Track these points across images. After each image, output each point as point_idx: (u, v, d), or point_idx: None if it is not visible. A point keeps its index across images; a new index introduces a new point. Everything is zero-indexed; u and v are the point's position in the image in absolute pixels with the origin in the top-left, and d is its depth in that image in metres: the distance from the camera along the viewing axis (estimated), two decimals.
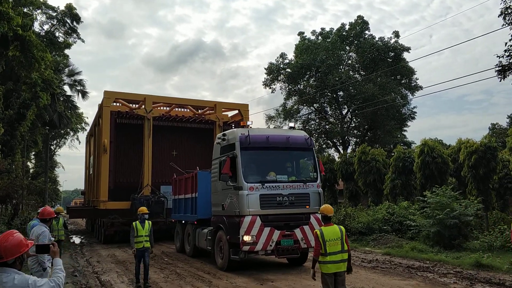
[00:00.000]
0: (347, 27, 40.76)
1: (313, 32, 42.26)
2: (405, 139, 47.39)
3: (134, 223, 10.20)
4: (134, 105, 23.02)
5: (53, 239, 10.14)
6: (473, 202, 16.47)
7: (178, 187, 17.38)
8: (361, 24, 40.18)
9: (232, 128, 25.28)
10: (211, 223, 13.47)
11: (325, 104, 42.92)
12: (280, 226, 11.72)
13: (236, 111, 25.37)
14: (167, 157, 23.56)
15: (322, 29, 41.93)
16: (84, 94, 37.98)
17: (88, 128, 38.39)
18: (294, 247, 11.82)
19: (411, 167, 23.38)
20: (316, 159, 13.18)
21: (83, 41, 35.21)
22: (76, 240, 24.29)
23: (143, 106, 22.27)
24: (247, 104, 25.49)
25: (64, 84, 37.18)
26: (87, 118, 47.85)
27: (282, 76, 41.94)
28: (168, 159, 23.10)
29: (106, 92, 22.06)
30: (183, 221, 16.65)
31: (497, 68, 16.11)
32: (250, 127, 13.06)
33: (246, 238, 11.36)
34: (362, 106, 37.02)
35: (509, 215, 21.95)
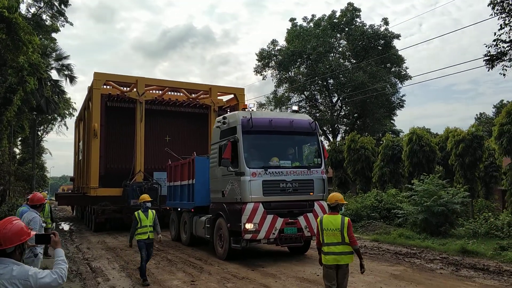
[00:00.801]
0: (338, 14, 40.73)
1: (305, 19, 42.19)
2: (393, 128, 47.88)
3: (136, 212, 9.51)
4: (125, 88, 22.35)
5: (44, 225, 10.17)
6: (460, 190, 16.80)
7: (173, 173, 16.91)
8: (352, 11, 40.15)
9: (227, 113, 25.19)
10: (210, 210, 13.10)
11: (315, 92, 43.07)
12: (283, 214, 11.38)
13: (232, 96, 24.72)
14: (160, 142, 23.00)
15: (313, 15, 41.87)
16: (72, 79, 37.44)
17: (76, 113, 37.99)
18: (298, 235, 11.49)
19: (400, 155, 23.71)
20: (320, 144, 12.74)
21: (71, 25, 34.63)
22: (65, 227, 24.24)
23: (134, 89, 21.60)
24: (243, 89, 25.06)
25: (52, 68, 36.60)
26: (75, 103, 47.27)
27: (273, 63, 41.90)
28: (161, 145, 22.60)
29: (96, 74, 21.34)
30: (179, 209, 16.25)
31: (485, 58, 16.32)
32: (252, 109, 12.54)
33: (248, 226, 10.98)
34: (352, 94, 37.22)
35: (493, 203, 22.42)
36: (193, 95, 24.16)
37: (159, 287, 9.06)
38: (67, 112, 47.30)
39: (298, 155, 12.72)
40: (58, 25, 33.22)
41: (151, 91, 23.31)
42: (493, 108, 49.45)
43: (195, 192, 14.17)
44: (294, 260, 12.04)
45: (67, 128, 50.92)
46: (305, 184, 11.82)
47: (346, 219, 6.36)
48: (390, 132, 42.08)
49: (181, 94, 24.25)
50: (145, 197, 9.75)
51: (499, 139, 17.84)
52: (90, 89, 21.98)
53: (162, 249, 14.49)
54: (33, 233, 3.41)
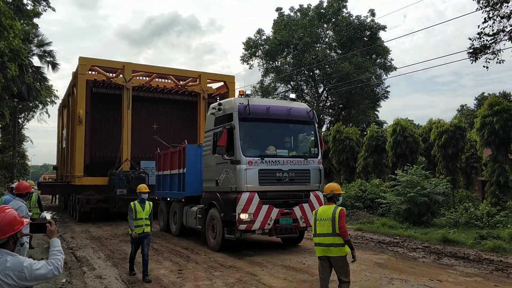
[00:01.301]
0: (325, 4, 40.71)
1: (291, 9, 42.06)
2: (377, 119, 48.33)
3: (132, 203, 8.95)
4: (111, 74, 21.66)
5: (30, 214, 10.05)
6: (442, 181, 17.14)
7: (162, 162, 16.47)
8: (338, 1, 40.16)
9: (217, 101, 24.75)
10: (202, 200, 12.74)
11: (301, 82, 43.15)
12: (279, 204, 11.12)
13: (221, 83, 24.17)
14: (147, 130, 22.49)
15: (300, 5, 41.77)
16: (54, 65, 36.74)
17: (58, 101, 37.35)
18: (293, 226, 11.27)
19: (384, 146, 24.02)
20: (318, 133, 12.47)
21: (53, 10, 33.92)
22: (47, 216, 23.98)
23: (121, 75, 20.95)
24: (233, 76, 24.70)
25: (33, 55, 35.84)
26: (57, 91, 46.55)
27: (260, 52, 41.79)
28: (148, 133, 22.14)
29: (81, 59, 20.67)
30: (169, 199, 15.83)
31: (469, 51, 16.57)
32: (249, 96, 12.15)
33: (243, 216, 10.69)
34: (337, 85, 37.39)
35: (473, 193, 22.93)
36: (181, 82, 23.59)
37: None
38: (49, 100, 46.53)
39: (295, 144, 12.52)
40: (40, 10, 32.51)
41: (138, 78, 22.73)
42: (474, 100, 50.27)
43: (186, 182, 13.80)
44: (281, 249, 12.17)
45: (49, 115, 50.10)
46: (302, 174, 11.59)
47: (339, 209, 6.20)
48: (374, 123, 42.51)
49: (169, 81, 23.72)
50: (142, 187, 9.11)
51: (480, 131, 18.21)
52: (75, 75, 21.33)
53: None
54: (26, 221, 3.27)
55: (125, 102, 20.63)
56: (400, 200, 16.62)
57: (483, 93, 47.58)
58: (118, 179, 18.75)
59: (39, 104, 46.04)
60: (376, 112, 46.57)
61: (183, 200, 14.22)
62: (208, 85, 23.76)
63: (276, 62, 41.86)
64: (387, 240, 13.80)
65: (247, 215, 10.73)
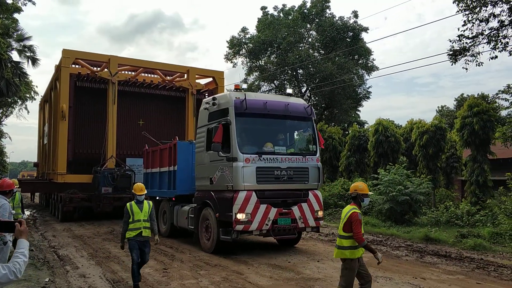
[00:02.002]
0: (308, 4, 40.87)
1: (275, 8, 42.09)
2: (358, 119, 48.79)
3: (128, 204, 7.93)
4: (96, 68, 20.86)
5: (14, 212, 9.79)
6: (423, 180, 17.38)
7: (151, 159, 15.70)
8: (322, 2, 40.36)
9: (206, 97, 23.47)
10: (195, 199, 12.09)
11: (285, 82, 43.21)
12: (277, 203, 10.61)
13: (210, 79, 23.49)
14: (133, 126, 21.77)
15: (284, 5, 41.84)
16: (34, 61, 35.79)
17: (38, 97, 36.55)
18: (291, 226, 10.77)
19: (366, 146, 24.25)
20: (316, 130, 11.96)
21: (33, 4, 33.19)
22: (26, 213, 23.46)
23: (105, 69, 20.13)
24: (223, 72, 23.98)
25: (13, 49, 35.00)
26: (37, 87, 45.55)
27: (243, 50, 41.72)
28: (134, 129, 21.53)
29: (65, 51, 19.76)
30: (157, 197, 15.02)
31: (449, 53, 16.84)
32: (245, 90, 11.52)
33: (240, 216, 10.13)
34: (320, 84, 37.58)
35: (454, 192, 23.34)
36: (168, 77, 22.85)
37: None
38: (29, 96, 45.58)
39: (292, 141, 12.08)
40: (20, 4, 31.76)
41: (124, 72, 21.98)
42: (454, 101, 51.16)
43: (176, 180, 13.16)
44: (266, 247, 12.13)
45: (28, 112, 49.04)
46: (300, 172, 11.11)
47: (351, 212, 5.89)
48: (356, 123, 42.92)
49: (156, 76, 22.99)
50: (137, 188, 8.04)
51: (460, 131, 18.54)
52: (58, 68, 20.46)
53: None
54: None
55: (110, 96, 19.85)
56: (383, 199, 16.80)
57: (462, 94, 48.54)
58: (103, 177, 18.10)
59: (18, 100, 45.06)
60: (358, 112, 47.06)
61: (173, 199, 13.60)
62: (197, 80, 23.06)
63: (260, 61, 41.87)
64: (370, 238, 13.92)
65: (244, 215, 10.18)
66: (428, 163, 21.60)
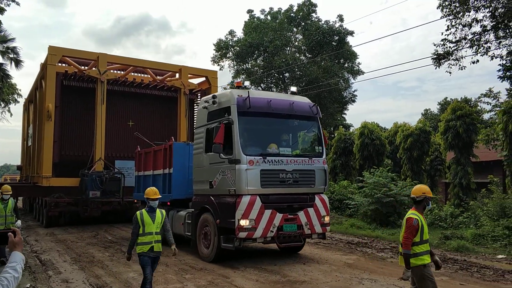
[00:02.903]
0: (295, 8, 41.05)
1: (262, 11, 42.19)
2: (344, 122, 49.10)
3: (138, 213, 6.82)
4: (84, 67, 19.91)
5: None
6: (408, 183, 17.54)
7: (144, 161, 14.79)
8: (308, 6, 40.59)
9: (198, 98, 22.71)
10: (193, 204, 11.35)
11: (272, 85, 43.30)
12: (282, 209, 9.94)
13: (203, 79, 22.53)
14: (123, 127, 20.87)
15: (271, 8, 41.98)
16: (17, 63, 35.18)
17: (22, 100, 35.94)
18: (297, 233, 10.08)
19: (351, 148, 24.38)
20: (321, 130, 11.36)
21: (18, 4, 32.70)
22: (18, 223, 22.86)
23: (94, 68, 19.22)
24: (216, 71, 23.37)
25: None
26: (20, 90, 44.84)
27: (230, 53, 41.71)
28: (123, 130, 20.70)
29: (51, 48, 18.66)
30: None
31: (433, 57, 17.06)
32: (249, 88, 11.19)
33: (243, 222, 9.41)
34: (306, 88, 37.74)
35: (437, 195, 23.58)
36: (158, 77, 22.00)
37: (115, 279, 8.78)
38: (11, 98, 44.89)
39: (298, 142, 11.49)
40: (3, 5, 31.27)
41: (113, 71, 20.84)
42: (438, 104, 51.82)
43: (172, 183, 12.33)
44: (253, 250, 12.07)
45: (11, 114, 48.23)
46: (307, 175, 10.46)
47: (407, 217, 5.64)
48: (341, 126, 43.19)
49: (147, 75, 22.13)
50: (151, 192, 6.93)
51: (444, 135, 18.74)
52: (44, 66, 19.46)
53: (115, 241, 14.11)
54: None
55: (99, 96, 18.84)
56: (368, 202, 16.90)
57: (446, 98, 49.15)
58: (91, 180, 17.27)
59: (1, 102, 44.36)
60: (344, 116, 47.34)
61: (168, 203, 12.66)
62: (189, 80, 22.06)
63: (247, 64, 41.90)
64: (356, 240, 13.97)
65: (248, 221, 9.45)
66: (413, 166, 21.80)
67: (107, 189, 17.43)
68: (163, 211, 7.08)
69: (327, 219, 10.67)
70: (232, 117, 9.94)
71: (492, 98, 18.64)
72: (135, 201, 15.86)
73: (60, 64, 19.78)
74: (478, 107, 19.89)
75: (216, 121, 10.45)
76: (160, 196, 7.10)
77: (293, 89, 11.87)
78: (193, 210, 11.25)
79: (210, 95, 11.31)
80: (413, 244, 5.60)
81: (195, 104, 22.77)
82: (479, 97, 18.82)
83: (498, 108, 17.12)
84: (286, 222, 9.95)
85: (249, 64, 41.95)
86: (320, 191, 10.74)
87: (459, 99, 34.72)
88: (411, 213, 5.71)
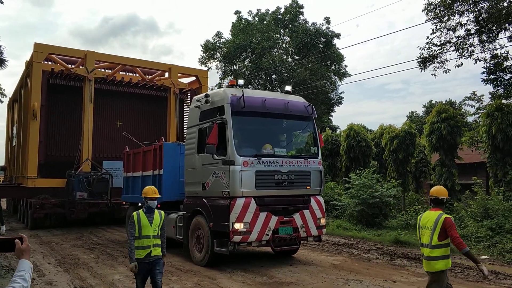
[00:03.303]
0: (282, 10, 41.20)
1: (250, 13, 42.26)
2: (331, 124, 49.39)
3: (135, 214, 6.21)
4: (71, 66, 19.30)
5: None
6: (393, 184, 17.69)
7: (132, 162, 14.34)
8: (295, 8, 40.76)
9: (188, 98, 22.38)
10: (184, 206, 11.00)
11: (259, 86, 43.34)
12: (278, 211, 9.67)
13: (193, 78, 22.13)
14: (110, 127, 20.38)
15: (258, 10, 42.07)
16: (2, 62, 34.89)
17: (6, 100, 35.36)
18: (293, 236, 9.85)
19: (338, 150, 24.48)
20: (317, 130, 11.14)
21: (1, 3, 32.22)
22: (3, 229, 22.27)
23: (81, 66, 18.74)
24: (206, 71, 23.06)
25: None
26: (4, 90, 44.18)
27: (218, 55, 41.67)
28: (111, 130, 20.24)
29: (37, 45, 18.10)
30: (140, 204, 13.25)
31: (418, 60, 17.27)
32: (243, 87, 10.44)
33: (238, 225, 9.13)
34: (293, 90, 37.84)
35: (422, 196, 23.84)
36: (147, 76, 21.53)
37: (100, 281, 8.67)
38: None
39: (292, 143, 11.25)
40: None
41: (100, 69, 20.50)
42: (423, 107, 52.42)
43: (162, 185, 11.89)
44: (239, 252, 12.04)
45: None
46: (302, 176, 10.22)
47: (443, 216, 5.39)
48: (328, 128, 43.43)
49: (136, 74, 21.64)
50: (149, 191, 6.36)
51: (429, 137, 18.92)
52: (29, 64, 18.89)
53: (100, 243, 13.94)
54: None
55: (86, 95, 18.26)
56: (354, 203, 17.00)
57: (431, 100, 49.79)
58: (78, 181, 16.85)
59: None
60: (330, 117, 47.61)
61: (158, 205, 12.82)
62: (179, 79, 21.57)
63: (234, 65, 41.90)
64: (342, 241, 14.03)
65: (242, 224, 9.17)
66: (398, 168, 21.96)
67: (95, 190, 17.00)
68: (163, 212, 6.51)
69: (323, 221, 10.45)
70: (225, 116, 9.65)
71: (476, 101, 18.91)
72: (124, 202, 15.42)
73: (46, 62, 19.35)
74: (463, 110, 20.19)
75: (209, 121, 10.12)
76: (159, 196, 6.55)
77: (288, 88, 11.47)
78: (184, 212, 10.90)
79: (203, 94, 11.00)
80: (446, 245, 5.46)
81: (185, 104, 22.53)
82: (463, 100, 19.11)
83: (481, 111, 17.40)
84: (281, 225, 9.69)
85: (237, 66, 41.98)
86: (316, 193, 10.49)
87: (444, 102, 35.21)
88: (441, 213, 5.51)
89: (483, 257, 11.27)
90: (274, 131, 10.90)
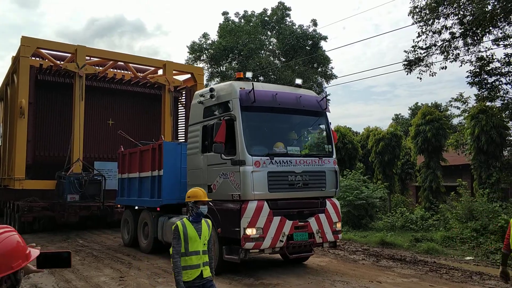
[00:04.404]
0: (269, 12, 41.34)
1: (237, 14, 42.29)
2: None
3: (178, 223, 5.00)
4: (60, 62, 18.42)
5: None
6: (379, 186, 17.89)
7: (128, 163, 13.46)
8: (282, 10, 40.93)
9: (183, 96, 21.75)
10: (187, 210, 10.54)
11: None
12: (292, 215, 8.94)
13: (189, 75, 21.24)
14: (102, 126, 19.49)
15: (245, 11, 42.14)
16: None
17: None
18: (308, 242, 9.14)
19: None
20: (330, 127, 10.28)
21: None
22: None
23: (71, 62, 17.79)
24: (202, 68, 22.38)
25: None
26: None
27: (204, 56, 41.61)
28: (102, 129, 19.41)
29: (24, 39, 16.99)
30: (136, 207, 13.01)
31: (404, 63, 17.50)
32: (252, 80, 9.63)
33: (250, 231, 8.37)
34: None
35: (408, 198, 24.11)
36: (140, 74, 20.70)
37: (86, 283, 8.54)
38: None
39: (305, 141, 10.53)
40: None
41: (92, 66, 19.15)
42: (408, 110, 53.01)
43: (162, 187, 11.20)
44: None
45: None
46: (317, 177, 9.46)
47: None
48: None
49: (128, 72, 20.66)
50: (200, 193, 5.14)
51: (415, 139, 19.18)
52: (16, 59, 17.84)
53: (86, 245, 13.79)
54: (35, 253, 2.02)
55: (77, 92, 17.29)
56: (341, 204, 17.10)
57: (417, 103, 50.32)
58: (69, 183, 15.94)
59: None
60: None
61: (158, 209, 11.53)
62: (174, 77, 20.67)
63: (221, 67, 41.88)
64: None
65: (255, 230, 8.41)
66: (384, 169, 22.22)
67: (87, 193, 16.19)
68: (209, 221, 5.28)
69: (338, 225, 9.74)
70: (234, 112, 8.86)
71: (462, 103, 19.24)
72: (118, 206, 14.78)
73: (34, 58, 18.33)
74: (449, 112, 20.48)
75: (214, 118, 9.33)
76: (209, 200, 5.42)
77: (298, 81, 10.47)
78: (187, 216, 10.40)
79: (207, 88, 10.09)
80: None
81: (179, 103, 22.03)
82: (450, 101, 19.35)
83: (466, 114, 17.69)
84: (296, 230, 8.94)
85: (224, 67, 41.96)
86: (331, 195, 9.73)
87: (430, 104, 35.67)
88: None
89: (468, 258, 11.46)
90: (286, 127, 10.05)
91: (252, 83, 9.14)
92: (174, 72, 20.57)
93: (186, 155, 10.53)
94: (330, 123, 10.29)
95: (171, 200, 11.07)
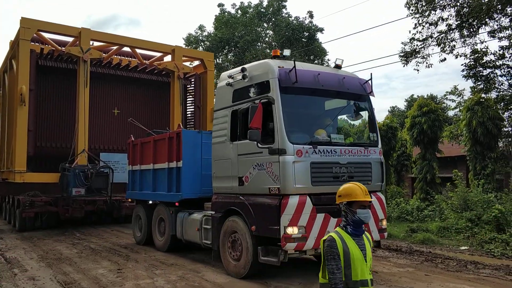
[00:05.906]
0: (265, 3, 41.17)
1: (233, 5, 42.09)
2: None
3: (335, 236, 3.50)
4: (62, 48, 17.17)
5: None
6: None
7: (140, 153, 12.24)
8: (278, 1, 40.76)
9: (192, 84, 20.40)
10: (213, 205, 9.02)
11: None
12: (336, 212, 7.43)
13: (198, 62, 20.31)
14: (107, 115, 18.15)
15: (241, 2, 41.94)
16: None
17: None
18: None
19: None
20: (374, 113, 9.07)
21: None
22: None
23: (75, 46, 16.64)
24: (212, 54, 21.59)
25: None
26: None
27: (201, 48, 41.44)
28: (108, 119, 18.12)
29: (24, 20, 15.75)
30: (150, 202, 11.92)
31: (401, 54, 17.50)
32: (291, 59, 8.51)
33: (291, 230, 7.29)
34: None
35: (404, 189, 24.24)
36: (145, 61, 19.53)
37: (84, 276, 8.50)
38: None
39: (349, 128, 9.37)
40: None
41: (97, 50, 18.02)
42: (404, 101, 53.10)
43: (182, 180, 10.11)
44: None
45: None
46: (363, 168, 8.37)
47: None
48: None
49: (134, 59, 19.56)
50: (358, 190, 3.66)
51: (410, 130, 19.19)
52: (15, 42, 16.54)
53: (83, 238, 13.76)
54: None
55: (81, 78, 16.06)
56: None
57: (413, 95, 50.41)
58: (74, 176, 14.85)
59: None
60: None
61: (176, 204, 10.53)
62: (183, 63, 19.38)
63: (218, 59, 41.75)
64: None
65: (297, 228, 7.33)
66: None
67: (93, 186, 15.13)
68: (369, 235, 3.88)
69: (384, 223, 8.68)
70: (272, 94, 7.72)
71: (457, 96, 19.25)
72: (129, 200, 13.71)
73: (34, 43, 17.27)
74: (444, 104, 20.54)
75: (246, 101, 8.22)
76: (371, 200, 3.90)
77: (339, 61, 9.07)
78: (213, 213, 8.98)
79: (238, 68, 8.85)
80: None
81: (187, 92, 20.90)
82: (445, 95, 19.43)
83: (462, 106, 17.76)
84: None
85: (220, 59, 41.85)
86: (377, 189, 8.61)
87: (425, 96, 35.74)
88: None
89: (463, 247, 11.55)
90: (327, 112, 8.93)
91: (294, 61, 8.03)
92: (184, 58, 19.47)
93: (211, 144, 9.29)
94: (374, 108, 9.12)
95: (192, 194, 10.13)
